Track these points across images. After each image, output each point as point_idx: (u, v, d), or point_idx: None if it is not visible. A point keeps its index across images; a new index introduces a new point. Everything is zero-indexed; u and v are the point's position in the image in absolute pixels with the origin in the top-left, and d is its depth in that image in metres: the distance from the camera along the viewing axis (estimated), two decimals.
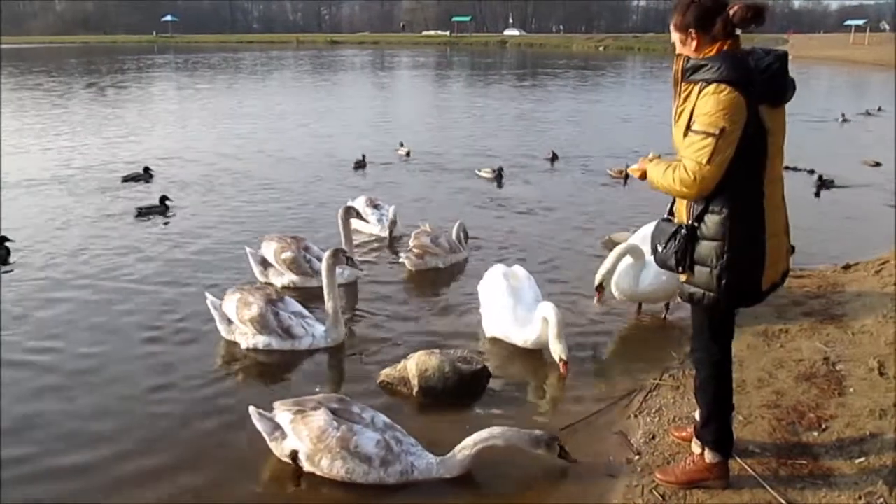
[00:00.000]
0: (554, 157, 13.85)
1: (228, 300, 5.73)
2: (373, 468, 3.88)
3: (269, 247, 7.06)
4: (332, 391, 4.83)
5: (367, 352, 5.68)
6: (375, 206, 8.84)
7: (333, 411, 4.00)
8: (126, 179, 11.96)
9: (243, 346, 5.66)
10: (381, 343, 5.84)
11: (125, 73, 40.53)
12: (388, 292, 6.99)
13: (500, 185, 11.86)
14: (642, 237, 6.26)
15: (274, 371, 5.41)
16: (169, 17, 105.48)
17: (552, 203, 10.56)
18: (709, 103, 3.07)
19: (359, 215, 7.49)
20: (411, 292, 7.02)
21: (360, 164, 13.29)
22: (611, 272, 5.96)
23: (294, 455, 3.97)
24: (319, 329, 5.71)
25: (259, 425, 4.10)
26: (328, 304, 5.67)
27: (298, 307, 5.83)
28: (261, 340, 5.61)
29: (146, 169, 12.37)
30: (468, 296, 6.70)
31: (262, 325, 5.56)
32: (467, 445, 3.98)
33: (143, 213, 9.81)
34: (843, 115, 20.17)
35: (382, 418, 4.11)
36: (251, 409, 4.14)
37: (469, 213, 9.83)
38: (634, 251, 5.94)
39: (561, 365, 5.11)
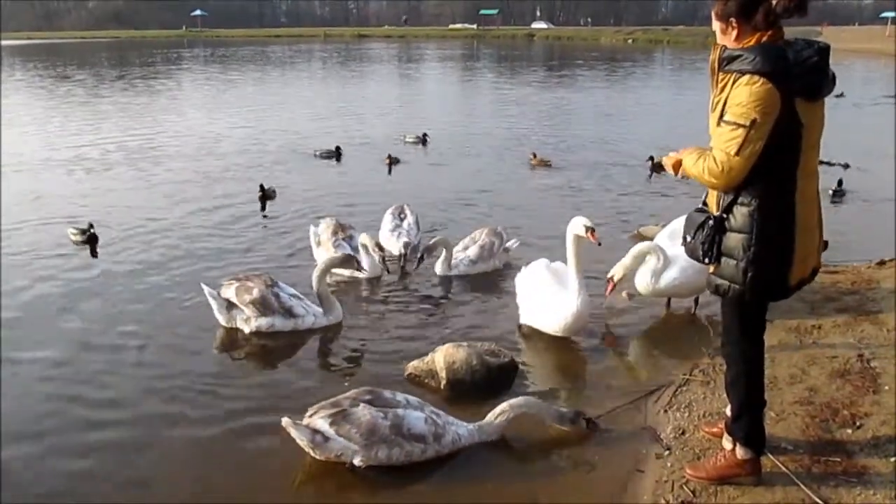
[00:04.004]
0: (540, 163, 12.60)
1: (227, 288, 5.84)
2: (428, 445, 4.01)
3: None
4: (361, 385, 4.84)
5: (395, 344, 5.70)
6: (400, 217, 8.08)
7: (370, 402, 4.05)
8: (319, 156, 13.36)
9: (246, 330, 5.75)
10: (408, 336, 5.86)
11: (180, 62, 41.28)
12: (415, 286, 7.01)
13: None
14: (671, 231, 6.21)
15: (297, 369, 5.39)
16: (198, 12, 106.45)
17: (579, 195, 10.51)
18: (742, 94, 3.03)
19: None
20: (439, 286, 7.03)
21: (394, 162, 13.08)
22: (629, 269, 5.92)
23: (343, 455, 3.97)
24: (318, 309, 5.89)
25: (296, 434, 3.99)
26: (316, 285, 5.87)
27: (294, 290, 5.98)
28: (264, 322, 5.71)
29: (337, 148, 13.55)
30: (496, 290, 6.70)
31: (264, 306, 5.68)
32: (504, 410, 4.20)
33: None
34: None
35: (414, 398, 4.25)
36: (284, 420, 4.00)
37: (493, 208, 9.85)
38: (656, 251, 5.89)
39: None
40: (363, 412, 3.98)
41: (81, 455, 4.25)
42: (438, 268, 7.17)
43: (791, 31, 3.22)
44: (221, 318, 5.84)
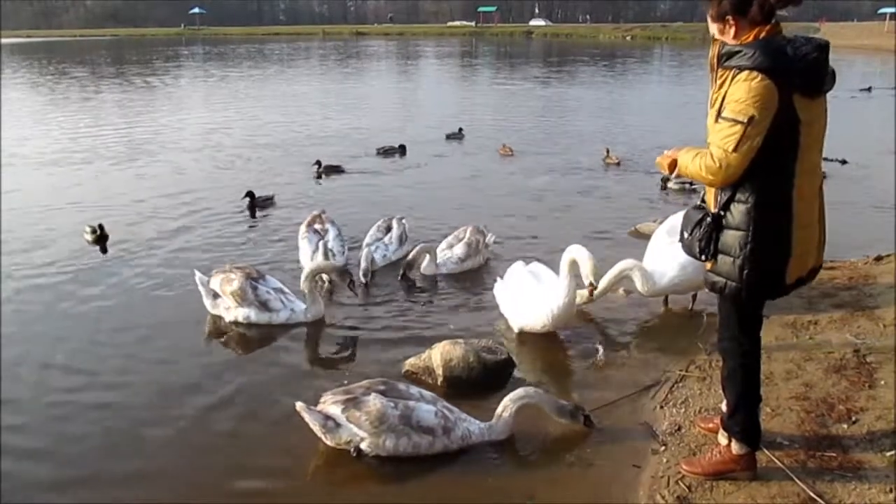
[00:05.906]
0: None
1: (214, 278, 6.00)
2: (437, 438, 4.03)
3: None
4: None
5: (391, 342, 5.69)
6: (387, 230, 7.80)
7: (382, 393, 4.09)
8: (383, 152, 13.30)
9: (227, 319, 5.93)
10: (405, 333, 5.86)
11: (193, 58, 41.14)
12: (409, 284, 6.98)
13: None
14: (669, 227, 6.21)
15: (294, 365, 5.39)
16: (196, 10, 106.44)
17: (574, 193, 10.52)
18: (740, 90, 3.02)
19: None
20: (436, 283, 7.02)
21: (401, 150, 13.40)
22: (610, 285, 5.98)
23: (352, 442, 4.02)
24: (300, 305, 5.95)
25: (309, 419, 4.06)
26: (303, 284, 5.92)
27: (279, 284, 6.09)
28: (240, 313, 5.87)
29: (402, 145, 13.52)
30: (490, 287, 6.69)
31: (241, 298, 5.82)
32: (507, 405, 4.20)
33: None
34: None
35: (429, 392, 4.26)
36: (298, 404, 4.09)
37: (489, 206, 9.87)
38: (636, 269, 5.92)
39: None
40: (374, 400, 4.03)
41: (77, 441, 4.28)
42: (425, 268, 7.13)
43: (789, 28, 3.21)
44: (208, 305, 6.06)
